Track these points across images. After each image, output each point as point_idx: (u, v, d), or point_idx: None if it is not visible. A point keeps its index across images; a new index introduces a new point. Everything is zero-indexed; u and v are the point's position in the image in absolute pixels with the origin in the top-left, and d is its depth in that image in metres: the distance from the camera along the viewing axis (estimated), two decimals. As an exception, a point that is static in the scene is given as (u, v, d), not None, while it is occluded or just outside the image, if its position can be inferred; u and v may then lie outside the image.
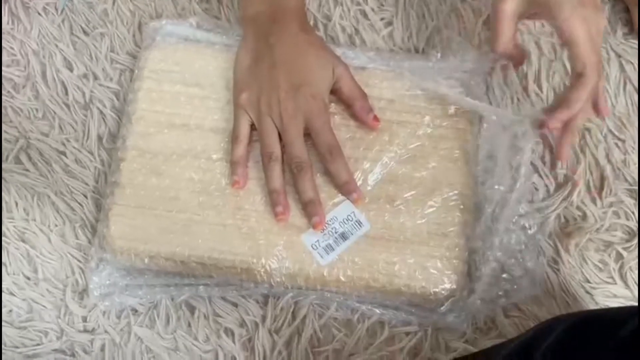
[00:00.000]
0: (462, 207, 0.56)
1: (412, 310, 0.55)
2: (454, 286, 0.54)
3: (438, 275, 0.54)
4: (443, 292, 0.54)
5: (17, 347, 0.56)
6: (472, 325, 0.55)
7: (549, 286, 0.57)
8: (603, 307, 0.56)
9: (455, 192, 0.56)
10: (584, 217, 0.59)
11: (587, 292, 0.57)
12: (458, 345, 0.55)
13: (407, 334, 0.55)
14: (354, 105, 0.56)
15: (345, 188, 0.55)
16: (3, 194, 0.60)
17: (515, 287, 0.54)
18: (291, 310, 0.56)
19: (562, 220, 0.59)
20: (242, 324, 0.56)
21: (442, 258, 0.54)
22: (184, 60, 0.60)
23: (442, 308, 0.54)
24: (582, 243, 0.57)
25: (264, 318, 0.56)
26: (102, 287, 0.56)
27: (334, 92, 0.57)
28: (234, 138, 0.56)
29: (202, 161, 0.57)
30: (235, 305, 0.57)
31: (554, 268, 0.57)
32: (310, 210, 0.54)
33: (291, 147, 0.54)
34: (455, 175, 0.57)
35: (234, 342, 0.56)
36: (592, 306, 0.57)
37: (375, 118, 0.57)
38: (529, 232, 0.56)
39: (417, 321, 0.55)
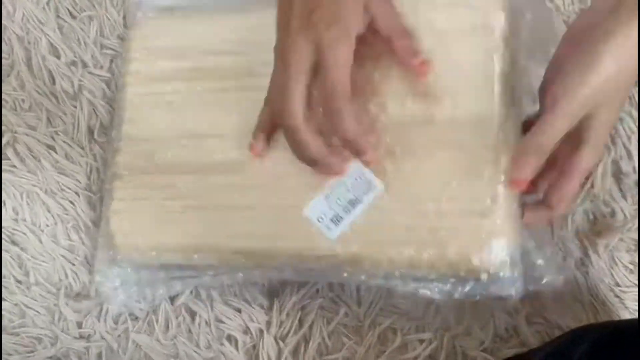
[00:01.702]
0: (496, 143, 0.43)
1: (451, 281, 0.45)
2: (501, 251, 0.43)
3: (476, 238, 0.43)
4: (484, 259, 0.43)
5: (10, 355, 0.54)
6: (492, 333, 0.51)
7: (575, 290, 0.53)
8: (634, 311, 0.53)
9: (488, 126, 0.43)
10: (613, 213, 0.54)
11: (617, 296, 0.53)
12: (476, 354, 0.51)
13: (422, 341, 0.52)
14: (393, 43, 0.43)
15: (354, 146, 0.43)
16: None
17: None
18: (298, 316, 0.53)
19: (590, 217, 0.54)
20: (246, 330, 0.53)
21: (480, 214, 0.43)
22: (169, 34, 0.54)
23: (484, 277, 0.43)
24: (612, 243, 0.53)
25: (269, 324, 0.53)
26: (98, 290, 0.53)
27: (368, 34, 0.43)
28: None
29: (194, 141, 0.51)
30: (239, 310, 0.54)
31: (582, 270, 0.53)
32: (354, 149, 0.43)
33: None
34: (485, 104, 0.44)
35: (237, 349, 0.53)
36: (622, 311, 0.53)
37: (424, 63, 0.43)
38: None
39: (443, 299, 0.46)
